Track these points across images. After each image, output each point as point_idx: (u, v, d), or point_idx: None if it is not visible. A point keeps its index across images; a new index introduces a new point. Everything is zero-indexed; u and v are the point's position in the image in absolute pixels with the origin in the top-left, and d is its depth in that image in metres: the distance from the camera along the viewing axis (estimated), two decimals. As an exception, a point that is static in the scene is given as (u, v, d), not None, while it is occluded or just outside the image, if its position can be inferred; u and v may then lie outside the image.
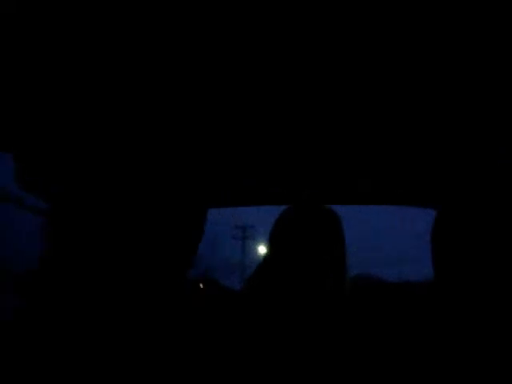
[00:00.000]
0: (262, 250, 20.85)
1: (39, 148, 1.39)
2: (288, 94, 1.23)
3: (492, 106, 1.23)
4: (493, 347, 1.12)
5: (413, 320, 1.26)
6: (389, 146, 1.49)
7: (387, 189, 1.81)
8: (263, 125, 1.39)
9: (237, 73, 1.15)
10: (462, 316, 1.18)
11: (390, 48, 1.05)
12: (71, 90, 1.21)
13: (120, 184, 1.31)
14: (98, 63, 1.11)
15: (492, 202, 1.19)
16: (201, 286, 1.46)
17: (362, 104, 1.27)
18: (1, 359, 1.16)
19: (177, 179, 1.41)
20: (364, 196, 1.91)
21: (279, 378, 1.24)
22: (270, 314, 1.32)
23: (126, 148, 1.35)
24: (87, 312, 1.19)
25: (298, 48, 1.06)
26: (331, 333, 1.29)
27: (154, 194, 1.33)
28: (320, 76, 1.15)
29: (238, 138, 1.47)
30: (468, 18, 0.94)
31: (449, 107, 1.25)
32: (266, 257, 1.44)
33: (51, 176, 1.41)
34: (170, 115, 1.33)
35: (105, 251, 1.24)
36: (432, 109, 1.26)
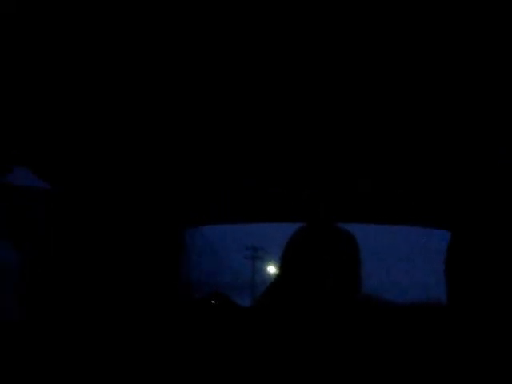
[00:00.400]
0: (272, 269, 20.96)
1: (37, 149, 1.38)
2: (292, 100, 1.20)
3: (492, 107, 1.21)
4: (506, 373, 1.10)
5: (421, 341, 1.23)
6: (395, 161, 1.48)
7: (397, 208, 1.77)
8: (260, 131, 1.36)
9: (229, 76, 1.13)
10: (475, 341, 1.15)
11: (392, 53, 1.03)
12: (70, 90, 1.19)
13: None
14: (97, 63, 1.09)
15: (506, 222, 1.18)
16: (213, 302, 1.45)
17: (373, 118, 1.26)
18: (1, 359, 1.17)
19: (153, 198, 1.43)
20: (373, 215, 1.86)
21: None
22: (280, 329, 1.30)
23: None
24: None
25: (299, 51, 1.03)
26: (339, 348, 1.27)
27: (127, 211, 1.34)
28: (324, 81, 1.13)
29: (227, 148, 1.44)
30: (468, 18, 0.93)
31: (450, 108, 1.24)
32: (278, 275, 1.41)
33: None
34: (149, 116, 1.30)
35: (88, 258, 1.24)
36: (433, 113, 1.25)
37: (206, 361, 1.25)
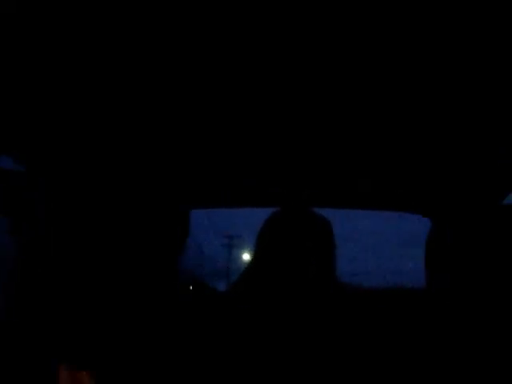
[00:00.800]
0: (246, 256, 21.07)
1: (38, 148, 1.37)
2: (281, 90, 1.18)
3: (492, 106, 1.19)
4: (487, 358, 1.09)
5: (403, 324, 1.23)
6: (385, 148, 1.43)
7: (379, 193, 1.75)
8: (254, 121, 1.33)
9: (225, 71, 1.11)
10: (456, 324, 1.14)
11: (392, 52, 1.01)
12: (70, 90, 1.18)
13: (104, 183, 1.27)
14: (97, 63, 1.07)
15: (489, 211, 1.18)
16: (190, 288, 1.42)
17: (362, 105, 1.23)
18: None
19: (158, 179, 1.38)
20: (357, 199, 1.83)
21: (270, 374, 1.19)
22: (257, 312, 1.28)
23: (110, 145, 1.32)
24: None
25: (298, 49, 1.02)
26: (318, 329, 1.25)
27: (135, 195, 1.28)
28: (320, 78, 1.12)
29: (225, 134, 1.40)
30: (468, 17, 0.91)
31: (449, 108, 1.21)
32: (252, 259, 1.37)
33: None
34: (152, 109, 1.28)
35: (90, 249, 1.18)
36: (432, 111, 1.22)
37: (184, 347, 1.23)
